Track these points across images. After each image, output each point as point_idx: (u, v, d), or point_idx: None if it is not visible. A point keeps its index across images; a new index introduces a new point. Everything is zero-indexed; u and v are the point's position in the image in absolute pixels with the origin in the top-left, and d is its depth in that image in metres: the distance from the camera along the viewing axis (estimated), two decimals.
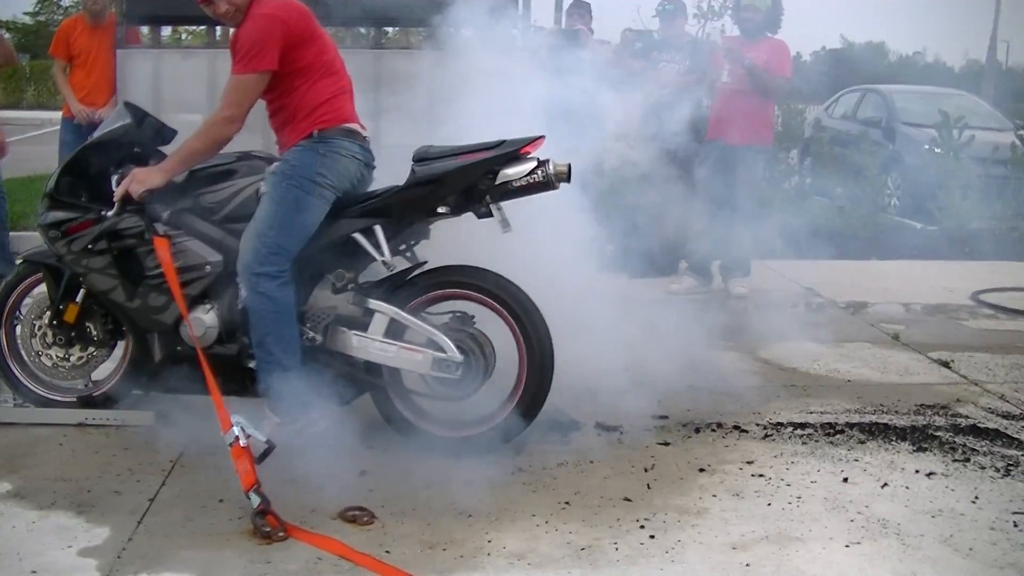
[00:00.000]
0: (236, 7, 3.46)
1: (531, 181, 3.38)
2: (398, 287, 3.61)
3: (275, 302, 3.33)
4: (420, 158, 3.50)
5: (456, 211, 3.50)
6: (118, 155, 3.64)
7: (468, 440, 3.56)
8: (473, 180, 3.39)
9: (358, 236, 3.51)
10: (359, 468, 3.49)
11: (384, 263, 3.53)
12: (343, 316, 3.55)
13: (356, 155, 3.56)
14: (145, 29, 6.31)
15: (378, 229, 3.48)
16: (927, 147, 11.05)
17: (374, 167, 3.67)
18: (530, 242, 3.64)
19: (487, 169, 3.39)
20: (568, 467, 3.59)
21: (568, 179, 3.41)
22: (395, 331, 3.56)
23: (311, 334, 3.49)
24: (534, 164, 3.38)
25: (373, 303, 3.55)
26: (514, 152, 3.39)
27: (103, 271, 3.58)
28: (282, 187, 3.44)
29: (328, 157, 3.47)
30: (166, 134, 3.72)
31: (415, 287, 3.60)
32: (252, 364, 3.49)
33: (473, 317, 3.61)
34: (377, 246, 3.50)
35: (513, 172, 3.38)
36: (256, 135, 3.88)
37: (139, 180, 3.46)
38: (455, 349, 3.48)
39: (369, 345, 3.52)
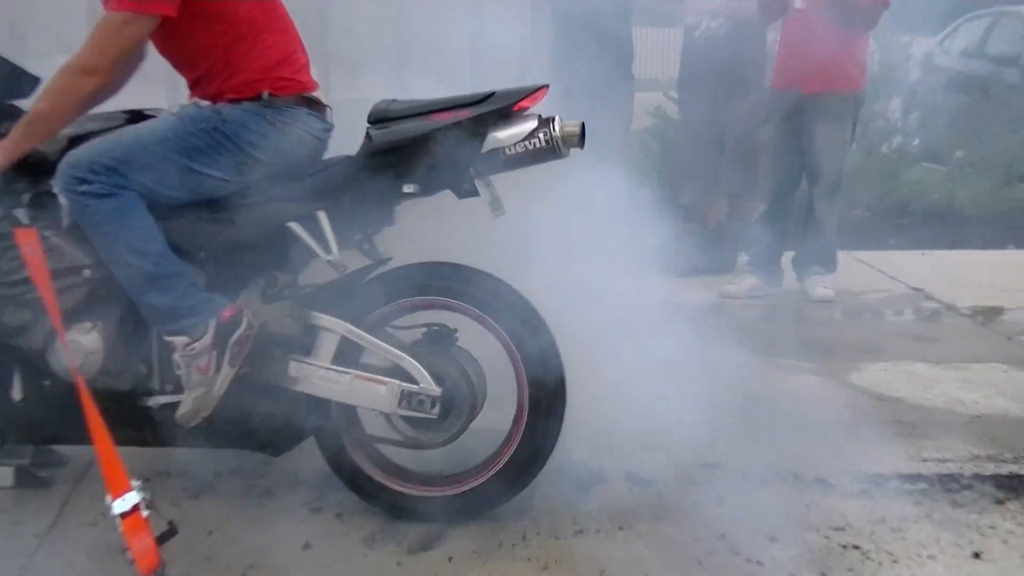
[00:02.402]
0: None
1: (530, 147, 3.28)
2: (352, 294, 3.57)
3: (108, 207, 3.35)
4: (378, 118, 3.44)
5: (429, 189, 3.44)
6: None
7: (437, 501, 3.59)
8: (450, 147, 3.32)
9: (295, 226, 3.46)
10: (303, 539, 3.51)
11: (331, 263, 3.49)
12: (277, 335, 3.52)
13: (313, 132, 3.59)
14: None
15: (322, 216, 3.45)
16: None
17: (328, 140, 3.70)
18: (538, 229, 3.65)
19: (470, 132, 3.30)
20: (589, 535, 3.57)
21: (581, 143, 3.32)
22: (348, 355, 3.54)
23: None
24: (534, 124, 3.28)
25: (317, 317, 3.52)
26: (506, 108, 3.30)
27: None
28: (186, 127, 3.45)
29: (276, 128, 3.49)
30: (24, 84, 3.61)
31: (375, 293, 3.57)
32: (151, 402, 3.53)
33: (455, 332, 3.60)
34: (321, 239, 3.46)
35: (506, 136, 3.29)
36: (157, 86, 3.91)
37: None
38: (430, 379, 3.46)
39: (312, 374, 3.50)
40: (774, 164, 6.74)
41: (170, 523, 3.10)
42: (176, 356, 3.43)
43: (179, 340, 3.42)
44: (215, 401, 3.44)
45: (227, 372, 3.42)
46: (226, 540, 3.52)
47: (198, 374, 3.41)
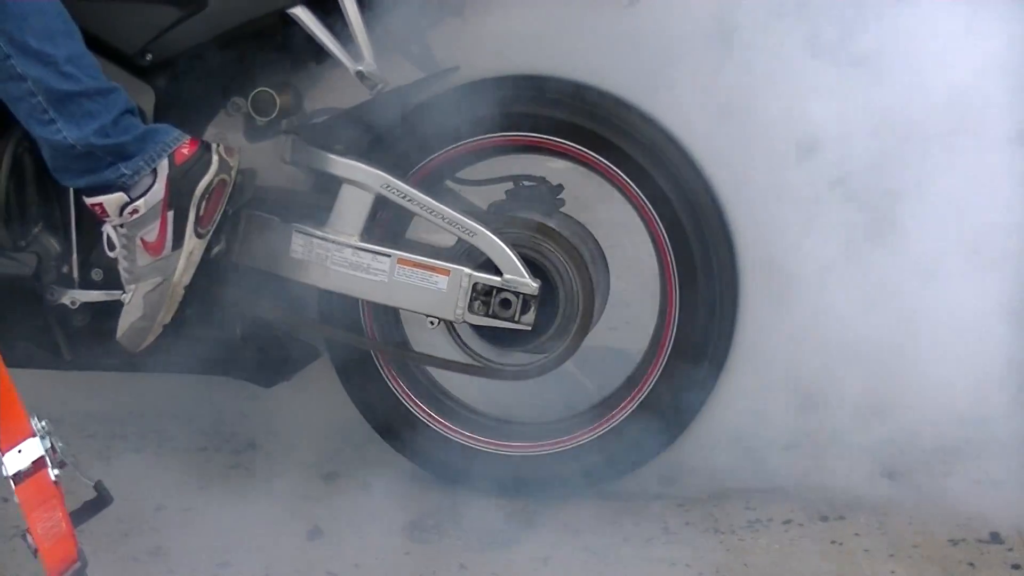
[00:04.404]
0: None
1: None
2: (394, 128, 2.98)
3: None
4: None
5: None
6: None
7: (523, 463, 3.03)
8: None
9: (302, 13, 2.81)
10: (307, 523, 2.87)
11: (362, 75, 2.83)
12: (271, 192, 2.97)
13: None
14: None
15: None
16: None
17: None
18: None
19: None
20: (772, 531, 2.77)
21: None
22: (387, 226, 2.97)
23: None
24: None
25: (338, 163, 2.88)
26: None
27: None
28: None
29: None
30: None
31: (432, 127, 2.96)
32: (66, 299, 2.94)
33: (560, 190, 3.00)
34: (345, 36, 2.83)
35: None
36: None
37: None
38: (521, 265, 2.81)
39: (328, 256, 2.90)
40: None
41: (98, 486, 2.49)
42: (108, 228, 2.80)
43: (110, 200, 2.75)
44: (178, 298, 2.84)
45: (193, 246, 2.81)
46: (186, 518, 2.98)
47: (147, 255, 2.80)
